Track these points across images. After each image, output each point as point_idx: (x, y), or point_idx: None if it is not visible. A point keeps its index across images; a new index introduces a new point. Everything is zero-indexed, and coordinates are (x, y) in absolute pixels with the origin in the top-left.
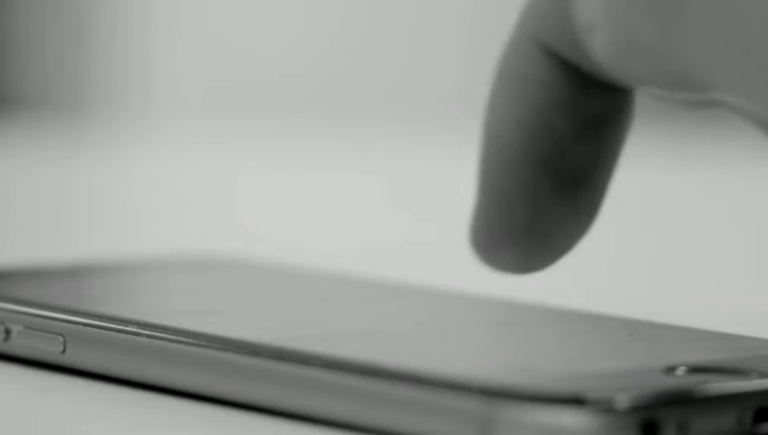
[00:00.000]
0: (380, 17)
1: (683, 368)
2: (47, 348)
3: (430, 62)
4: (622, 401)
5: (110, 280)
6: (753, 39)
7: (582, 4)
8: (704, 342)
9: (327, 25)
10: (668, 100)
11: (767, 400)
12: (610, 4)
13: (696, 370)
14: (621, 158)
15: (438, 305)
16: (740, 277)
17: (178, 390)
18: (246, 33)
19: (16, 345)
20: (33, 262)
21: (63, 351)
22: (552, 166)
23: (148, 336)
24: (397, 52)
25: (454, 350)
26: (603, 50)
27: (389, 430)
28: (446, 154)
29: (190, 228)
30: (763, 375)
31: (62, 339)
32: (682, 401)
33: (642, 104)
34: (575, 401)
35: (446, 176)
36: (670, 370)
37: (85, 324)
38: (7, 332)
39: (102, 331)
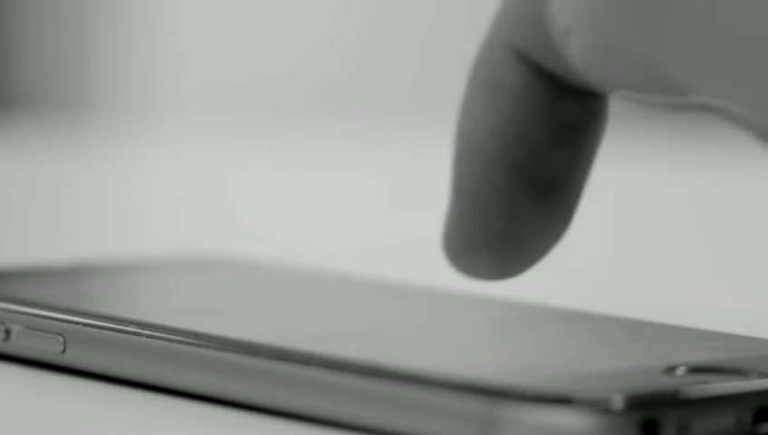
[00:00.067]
0: (380, 17)
1: (683, 368)
2: (47, 348)
3: (430, 63)
4: (622, 401)
5: (110, 280)
6: (739, 40)
7: (558, 8)
8: (704, 342)
9: (327, 25)
10: (648, 104)
11: (767, 400)
12: (587, 7)
13: (695, 370)
14: (596, 162)
15: (438, 305)
16: (740, 277)
17: (178, 390)
18: (246, 33)
19: (16, 345)
20: (33, 262)
21: (63, 351)
22: (526, 171)
23: (148, 336)
24: (396, 52)
25: (454, 350)
26: (580, 55)
27: (389, 430)
28: (446, 154)
29: (190, 228)
30: (763, 375)
31: (62, 339)
32: (682, 401)
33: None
34: (575, 401)
35: (446, 176)
36: (670, 370)
37: (85, 324)
38: (7, 332)
39: (102, 331)
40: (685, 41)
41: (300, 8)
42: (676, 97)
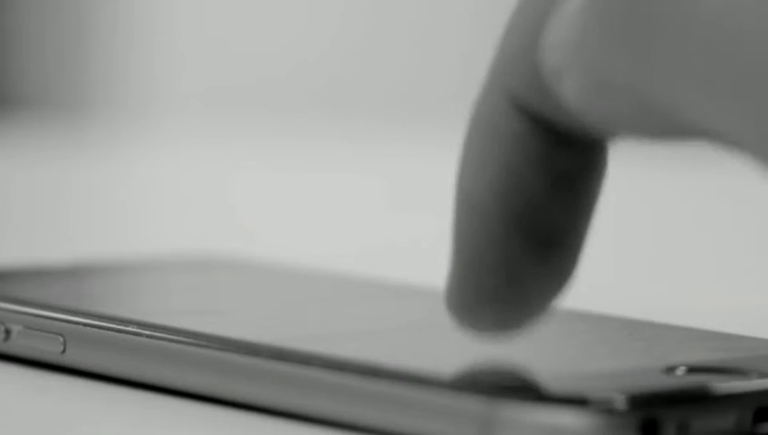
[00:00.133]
0: (380, 17)
1: (683, 368)
2: (47, 348)
3: (430, 63)
4: (622, 400)
5: (110, 280)
6: (739, 74)
7: (549, 48)
8: (704, 342)
9: (327, 26)
10: (644, 141)
11: (767, 400)
12: (579, 45)
13: (695, 370)
14: (595, 214)
15: (438, 305)
16: (740, 278)
17: (178, 390)
18: (246, 33)
19: (16, 345)
20: (33, 262)
21: (63, 351)
22: (524, 223)
23: (148, 336)
24: (396, 52)
25: (453, 350)
26: (573, 94)
27: (389, 430)
28: (446, 154)
29: (190, 228)
30: (763, 375)
31: (62, 339)
32: (682, 401)
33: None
34: (575, 400)
35: (446, 176)
36: (670, 370)
37: (85, 324)
38: (7, 332)
39: (102, 331)
40: (679, 75)
41: (300, 8)
42: (671, 129)
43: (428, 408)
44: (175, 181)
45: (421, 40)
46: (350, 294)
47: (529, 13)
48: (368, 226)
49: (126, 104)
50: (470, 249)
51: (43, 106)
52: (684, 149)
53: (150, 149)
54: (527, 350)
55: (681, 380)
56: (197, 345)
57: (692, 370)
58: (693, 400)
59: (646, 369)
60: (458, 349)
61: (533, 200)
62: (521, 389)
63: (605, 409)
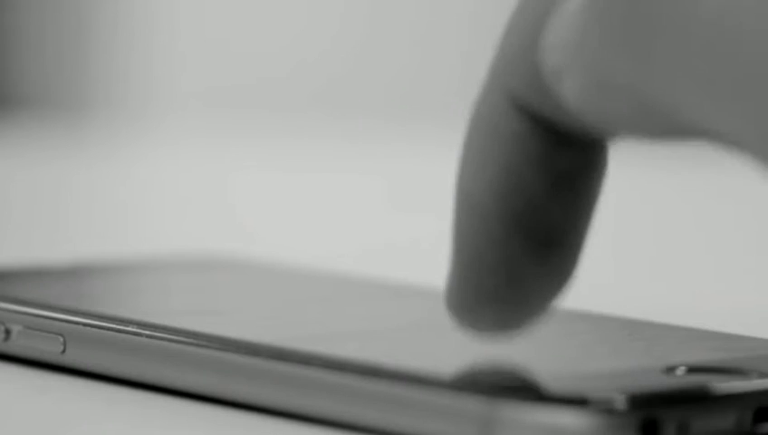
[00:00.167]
0: (380, 17)
1: (683, 368)
2: (47, 348)
3: (430, 62)
4: (622, 400)
5: (110, 280)
6: (740, 74)
7: (549, 48)
8: (704, 342)
9: (327, 26)
10: (645, 141)
11: (767, 400)
12: (579, 45)
13: (695, 370)
14: (595, 214)
15: (438, 305)
16: (740, 278)
17: (178, 390)
18: (246, 33)
19: (16, 345)
20: (33, 262)
21: (63, 351)
22: (524, 224)
23: (148, 336)
24: (396, 52)
25: (453, 350)
26: (573, 93)
27: (389, 430)
28: (446, 154)
29: (190, 228)
30: (763, 375)
31: (62, 339)
32: (682, 401)
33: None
34: (575, 400)
35: (446, 176)
36: (670, 370)
37: (85, 324)
38: (7, 332)
39: (102, 331)
40: (679, 75)
41: (300, 8)
42: (671, 129)
43: (428, 408)
44: (175, 181)
45: (421, 40)
46: (350, 294)
47: (529, 13)
48: (368, 226)
49: (126, 104)
50: (470, 249)
51: (43, 106)
52: (683, 148)
53: (150, 149)
54: (527, 350)
55: (681, 380)
56: (197, 345)
57: (692, 370)
58: (693, 400)
59: (646, 369)
60: (458, 349)
61: (533, 200)
62: (521, 389)
63: (605, 409)
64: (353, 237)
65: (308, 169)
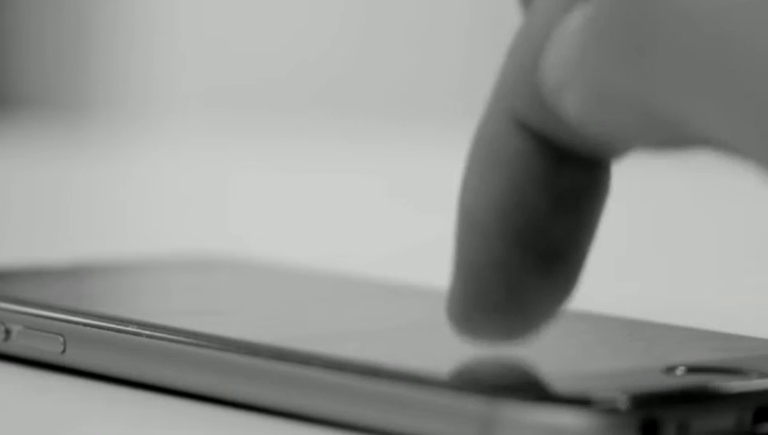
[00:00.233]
0: (380, 17)
1: (683, 368)
2: (47, 348)
3: (430, 62)
4: (622, 400)
5: (110, 280)
6: (740, 82)
7: (550, 64)
8: (704, 342)
9: (327, 26)
10: (647, 151)
11: (767, 400)
12: (579, 59)
13: (695, 370)
14: (598, 231)
15: (438, 305)
16: (740, 277)
17: (178, 390)
18: (246, 33)
19: (16, 345)
20: (33, 262)
21: (63, 351)
22: (526, 241)
23: (148, 336)
24: (396, 52)
25: (454, 350)
26: (575, 108)
27: (389, 430)
28: (446, 154)
29: (190, 228)
30: (763, 375)
31: (62, 339)
32: (682, 401)
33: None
34: (575, 400)
35: (446, 176)
36: (670, 370)
37: (85, 324)
38: (7, 332)
39: (102, 331)
40: (681, 87)
41: (300, 8)
42: (673, 139)
43: (428, 408)
44: (175, 181)
45: (421, 40)
46: (350, 294)
47: (531, 34)
48: (368, 226)
49: (126, 104)
50: (471, 264)
51: (43, 106)
52: (684, 155)
53: (150, 149)
54: (527, 350)
55: (681, 380)
56: (197, 345)
57: (692, 370)
58: (693, 400)
59: (646, 369)
60: (458, 349)
61: (535, 218)
62: (521, 389)
63: (605, 409)
64: (353, 237)
65: (308, 169)
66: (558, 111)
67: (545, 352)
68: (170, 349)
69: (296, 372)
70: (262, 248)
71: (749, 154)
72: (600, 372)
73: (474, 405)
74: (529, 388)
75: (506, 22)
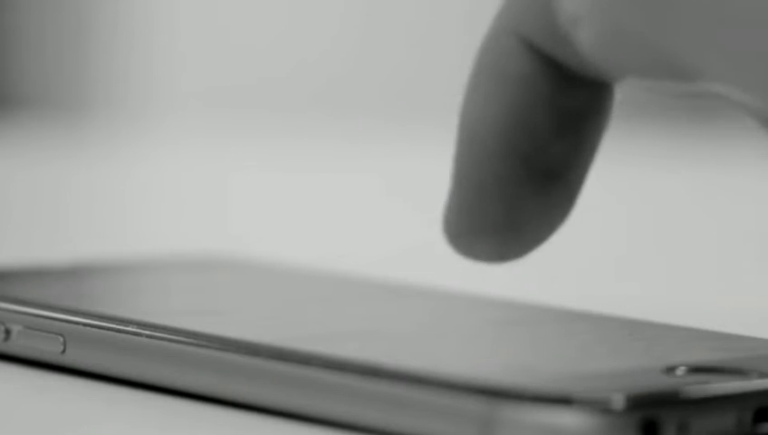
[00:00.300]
0: (380, 17)
1: (683, 368)
2: (47, 348)
3: (429, 63)
4: (622, 401)
5: (110, 280)
6: (749, 25)
7: None
8: (704, 342)
9: (327, 25)
10: (655, 90)
11: (767, 400)
12: None
13: (696, 370)
14: (605, 152)
15: (438, 305)
16: (740, 277)
17: (178, 390)
18: (246, 34)
19: (16, 345)
20: (33, 262)
21: (63, 351)
22: (529, 160)
23: (148, 336)
24: (396, 52)
25: (453, 350)
26: (589, 41)
27: (389, 430)
28: (446, 154)
29: (190, 229)
30: (763, 375)
31: (62, 339)
32: (682, 401)
33: (642, 102)
34: (575, 401)
35: (445, 176)
36: (670, 370)
37: (85, 324)
38: (7, 332)
39: (102, 331)
40: (692, 25)
41: (300, 8)
42: (684, 82)
43: (428, 408)
44: (175, 181)
45: (420, 40)
46: (350, 294)
47: None
48: (367, 225)
49: (126, 104)
50: (471, 182)
51: (43, 106)
52: (683, 148)
53: (150, 149)
54: (527, 350)
55: (681, 380)
56: (197, 345)
57: (692, 370)
58: (693, 400)
59: (646, 369)
60: (458, 349)
61: (539, 138)
62: (521, 389)
63: (605, 409)
64: (353, 237)
65: (307, 169)
66: (571, 41)
67: (545, 352)
68: (170, 349)
69: (296, 372)
70: (262, 248)
71: (754, 107)
72: (599, 372)
73: (474, 405)
74: (529, 388)
75: None
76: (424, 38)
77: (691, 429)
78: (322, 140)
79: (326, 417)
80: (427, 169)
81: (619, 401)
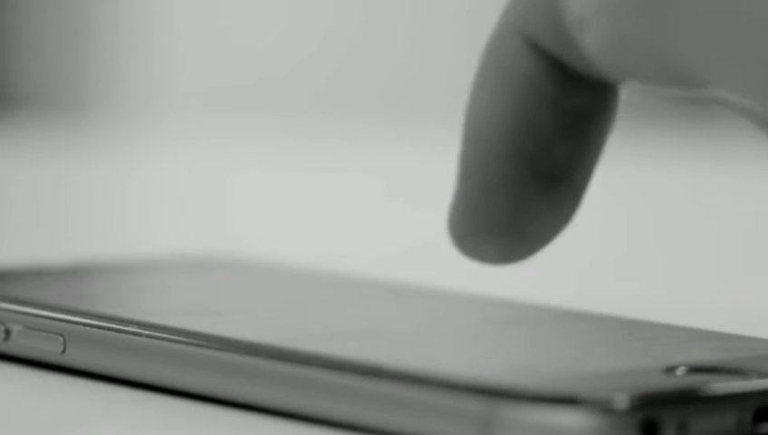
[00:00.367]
0: (380, 17)
1: (683, 368)
2: (47, 348)
3: (429, 62)
4: (622, 400)
5: (110, 280)
6: (752, 32)
7: None
8: (704, 342)
9: (326, 25)
10: (659, 95)
11: (767, 400)
12: None
13: (696, 370)
14: (605, 152)
15: (438, 305)
16: (740, 277)
17: (178, 390)
18: (246, 33)
19: (16, 345)
20: (33, 262)
21: (63, 351)
22: (534, 161)
23: (148, 336)
24: (396, 52)
25: (453, 350)
26: (595, 45)
27: (389, 430)
28: (446, 154)
29: (190, 229)
30: (763, 375)
31: (62, 339)
32: (682, 401)
33: (642, 102)
34: (575, 401)
35: (446, 176)
36: (670, 370)
37: (85, 324)
38: (7, 332)
39: (102, 331)
40: (696, 32)
41: (299, 8)
42: (688, 89)
43: (428, 408)
44: (175, 181)
45: (421, 40)
46: (350, 294)
47: None
48: (367, 225)
49: (126, 104)
50: (477, 182)
51: (43, 106)
52: (684, 148)
53: (150, 149)
54: (527, 350)
55: (681, 380)
56: (197, 345)
57: (692, 370)
58: (693, 400)
59: (646, 369)
60: (458, 349)
61: (544, 139)
62: (521, 389)
63: (605, 409)
64: (353, 237)
65: (308, 169)
66: (576, 42)
67: (545, 352)
68: (170, 349)
69: (296, 372)
70: (262, 248)
71: (757, 113)
72: (599, 372)
73: (474, 405)
74: (529, 388)
75: None
76: (424, 38)
77: (691, 428)
78: (323, 140)
79: (326, 417)
80: (426, 169)
81: (618, 401)
